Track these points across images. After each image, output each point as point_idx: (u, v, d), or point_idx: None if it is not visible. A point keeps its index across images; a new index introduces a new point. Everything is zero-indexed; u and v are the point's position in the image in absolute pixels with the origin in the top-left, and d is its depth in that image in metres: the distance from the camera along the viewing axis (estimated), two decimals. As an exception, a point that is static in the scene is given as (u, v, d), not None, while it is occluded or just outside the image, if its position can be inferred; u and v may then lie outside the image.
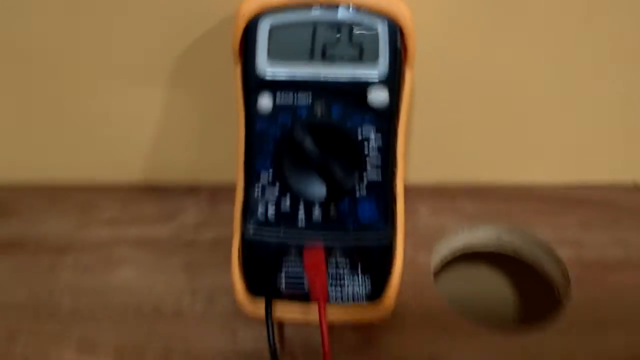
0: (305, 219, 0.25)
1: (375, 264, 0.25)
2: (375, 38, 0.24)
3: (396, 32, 0.24)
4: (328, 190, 0.25)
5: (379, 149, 0.25)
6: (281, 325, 0.27)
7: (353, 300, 0.25)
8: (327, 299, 0.25)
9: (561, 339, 0.27)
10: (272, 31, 0.24)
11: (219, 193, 0.33)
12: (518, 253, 0.31)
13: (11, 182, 0.33)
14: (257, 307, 0.26)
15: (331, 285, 0.25)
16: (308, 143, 0.25)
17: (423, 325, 0.27)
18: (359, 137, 0.25)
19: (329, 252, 0.25)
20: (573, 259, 0.30)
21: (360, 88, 0.25)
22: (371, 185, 0.25)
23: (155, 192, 0.33)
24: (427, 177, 0.33)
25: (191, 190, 0.33)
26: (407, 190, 0.31)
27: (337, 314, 0.26)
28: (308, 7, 0.24)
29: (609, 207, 0.32)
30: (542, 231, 0.31)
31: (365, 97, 0.25)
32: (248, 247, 0.25)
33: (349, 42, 0.24)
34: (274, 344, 0.24)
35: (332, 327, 0.27)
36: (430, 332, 0.27)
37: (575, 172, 0.33)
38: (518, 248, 0.31)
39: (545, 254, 0.31)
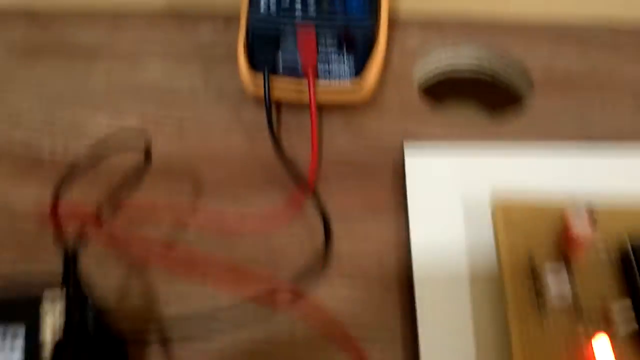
0: (301, 10, 0.29)
1: (359, 47, 0.29)
2: None
3: None
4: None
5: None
6: (279, 106, 0.32)
7: (339, 77, 0.29)
8: (316, 73, 0.29)
9: (522, 126, 0.31)
10: None
11: (233, 19, 0.37)
12: (495, 76, 0.35)
13: None
14: (258, 88, 0.30)
15: (320, 63, 0.29)
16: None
17: (400, 113, 0.32)
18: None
19: (319, 35, 0.29)
20: (543, 80, 0.34)
21: None
22: (359, -17, 0.29)
23: (176, 17, 0.37)
24: (417, 9, 0.37)
25: (209, 16, 0.37)
26: (397, 21, 0.35)
27: (324, 95, 0.30)
28: None
29: (584, 40, 0.36)
30: (518, 56, 0.35)
31: None
32: (252, 35, 0.30)
33: None
34: (270, 105, 0.29)
35: (320, 109, 0.31)
36: (406, 117, 0.31)
37: (558, 6, 0.36)
38: (494, 70, 0.35)
39: (520, 75, 0.34)
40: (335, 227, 0.28)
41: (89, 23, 0.37)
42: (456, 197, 0.28)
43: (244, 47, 0.30)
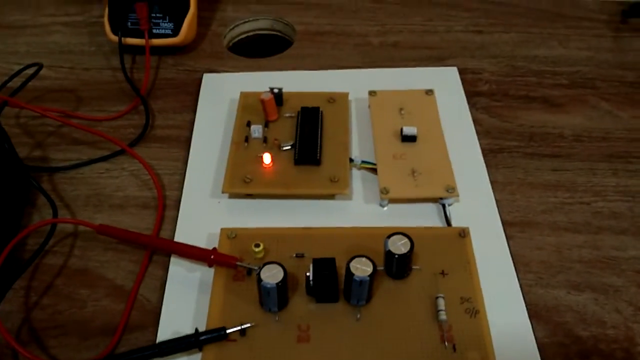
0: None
1: (176, 13, 0.49)
2: None
3: None
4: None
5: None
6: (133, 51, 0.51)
7: (164, 35, 0.49)
8: (151, 30, 0.49)
9: (288, 60, 0.51)
10: None
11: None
12: (281, 32, 0.55)
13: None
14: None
15: (151, 24, 0.49)
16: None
17: (210, 57, 0.52)
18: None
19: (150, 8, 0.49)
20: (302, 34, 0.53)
21: None
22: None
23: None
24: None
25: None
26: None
27: (155, 42, 0.50)
28: None
29: (330, 7, 0.56)
30: (290, 20, 0.54)
31: None
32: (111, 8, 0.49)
33: None
34: (122, 54, 0.49)
35: (158, 55, 0.51)
36: (213, 60, 0.51)
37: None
38: (278, 29, 0.55)
39: (291, 31, 0.54)
40: (157, 117, 0.48)
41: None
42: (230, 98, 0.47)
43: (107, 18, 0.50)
